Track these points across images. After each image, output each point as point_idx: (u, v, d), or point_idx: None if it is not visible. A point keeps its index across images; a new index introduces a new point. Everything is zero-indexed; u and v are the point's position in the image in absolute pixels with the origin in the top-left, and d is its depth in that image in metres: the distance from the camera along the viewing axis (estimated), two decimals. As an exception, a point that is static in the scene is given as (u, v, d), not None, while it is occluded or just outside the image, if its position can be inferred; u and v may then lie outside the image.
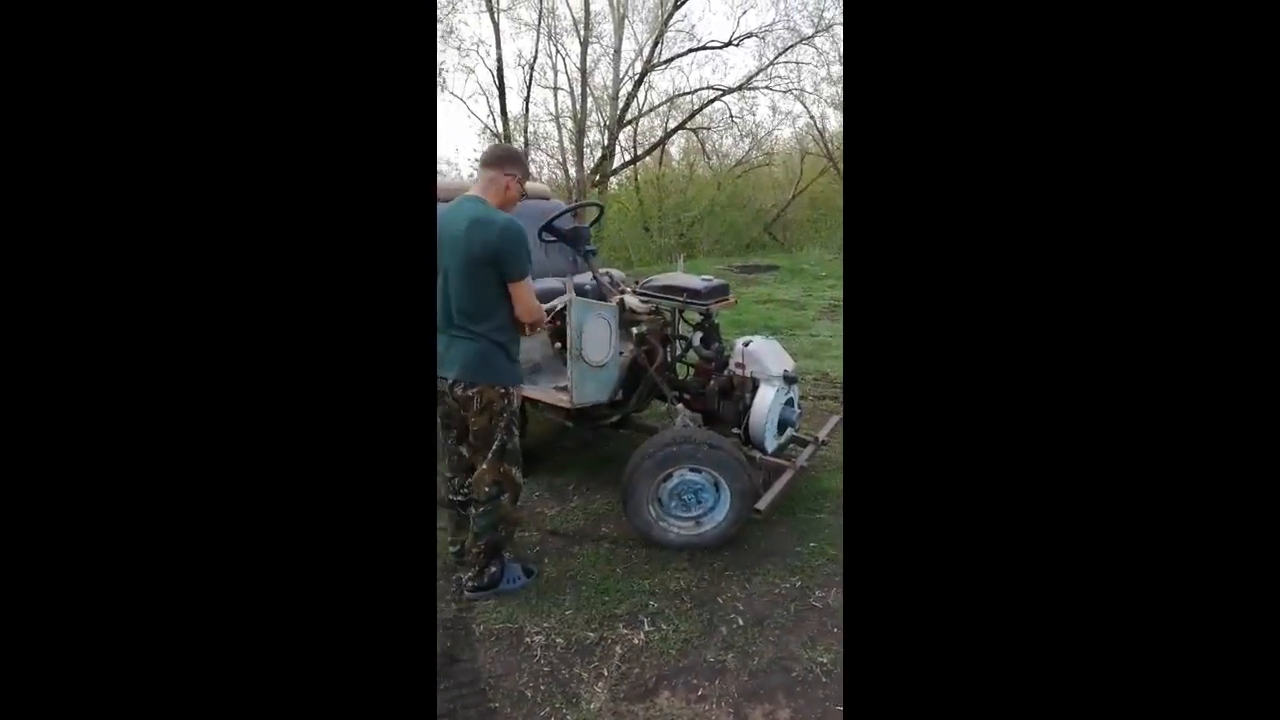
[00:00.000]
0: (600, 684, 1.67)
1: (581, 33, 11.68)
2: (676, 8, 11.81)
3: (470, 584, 1.99)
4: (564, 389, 2.43)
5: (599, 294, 2.53)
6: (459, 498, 2.05)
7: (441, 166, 11.86)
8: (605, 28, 12.05)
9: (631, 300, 2.57)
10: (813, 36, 11.98)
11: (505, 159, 1.88)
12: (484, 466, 1.89)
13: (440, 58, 10.60)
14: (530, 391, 2.55)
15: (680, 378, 2.70)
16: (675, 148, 14.16)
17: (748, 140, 13.49)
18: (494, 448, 1.88)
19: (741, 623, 1.89)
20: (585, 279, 2.70)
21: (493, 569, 1.99)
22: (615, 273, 2.94)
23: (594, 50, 11.97)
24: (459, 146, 28.12)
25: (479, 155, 1.90)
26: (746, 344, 2.42)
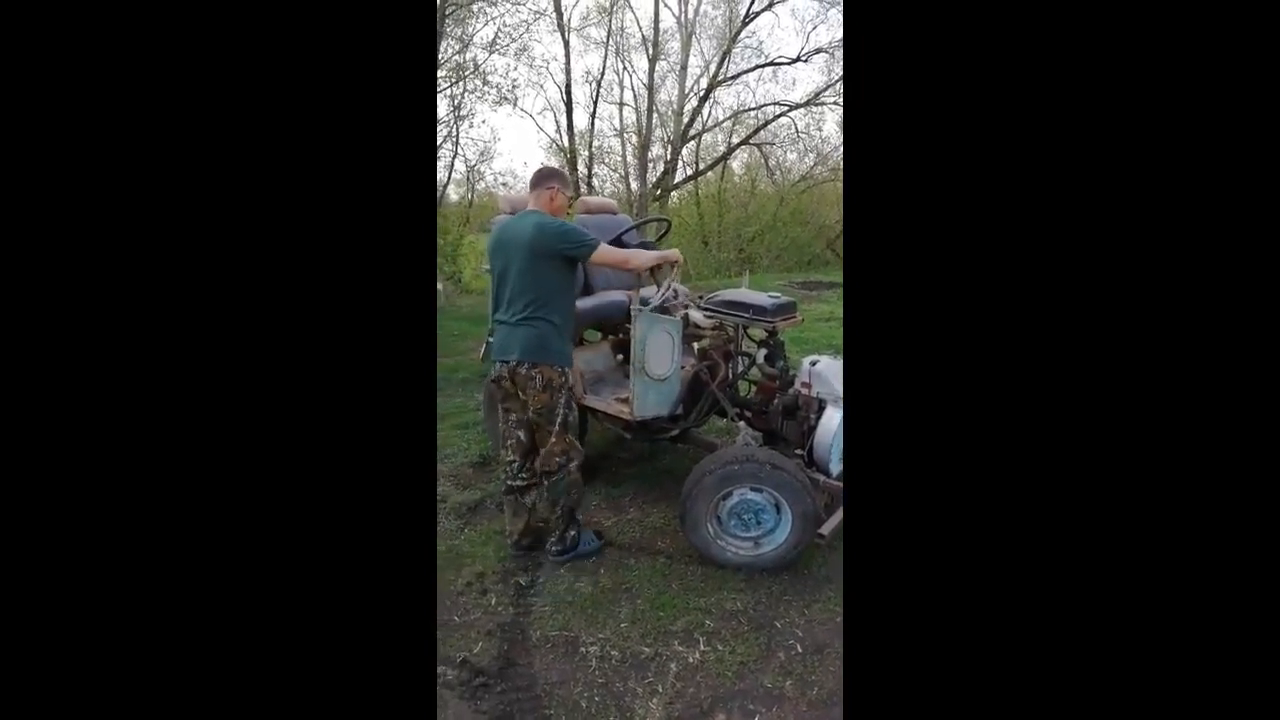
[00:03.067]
0: (655, 700, 1.66)
1: (649, 50, 11.87)
2: (745, 24, 11.85)
3: (555, 548, 2.22)
4: (625, 400, 2.44)
5: (663, 308, 2.54)
6: (518, 482, 2.22)
7: (508, 179, 12.25)
8: (673, 44, 12.22)
9: (695, 315, 2.57)
10: (884, 51, 11.68)
11: (547, 177, 2.23)
12: (552, 440, 2.12)
13: (513, 75, 11.03)
14: (592, 402, 2.58)
15: (743, 395, 2.67)
16: (737, 163, 14.14)
17: (812, 155, 13.31)
18: (558, 421, 2.12)
19: (800, 649, 1.84)
20: (650, 292, 2.72)
21: (572, 533, 2.22)
22: (680, 287, 2.94)
23: (661, 66, 12.16)
24: (527, 161, 28.99)
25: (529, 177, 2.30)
26: (814, 363, 2.36)
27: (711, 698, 1.67)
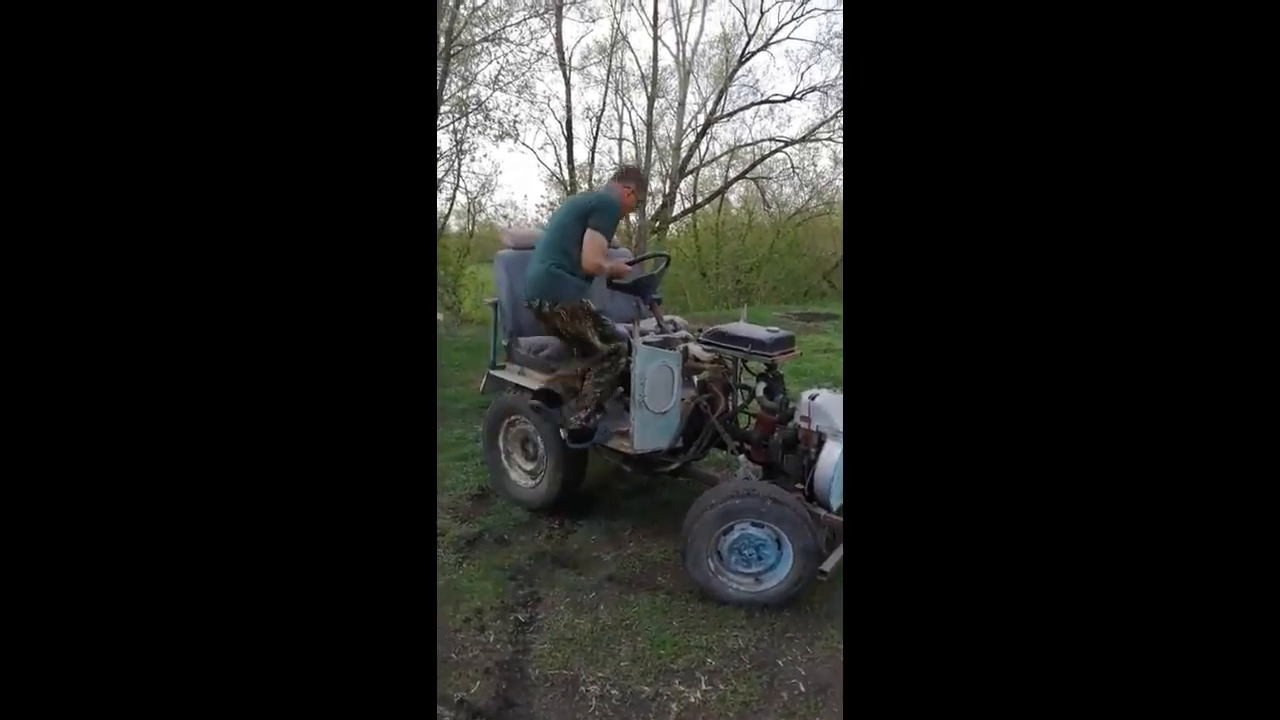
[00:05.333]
0: (656, 743, 1.63)
1: (648, 87, 12.18)
2: (741, 63, 12.16)
3: (574, 425, 2.44)
4: (625, 433, 2.45)
5: (663, 341, 2.57)
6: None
7: (508, 210, 12.42)
8: (671, 82, 12.54)
9: (695, 348, 2.59)
10: (877, 90, 11.97)
11: (630, 174, 2.70)
12: (601, 347, 2.44)
13: (514, 111, 11.32)
14: (592, 434, 2.58)
15: (742, 428, 2.68)
16: (734, 196, 14.37)
17: (808, 190, 13.54)
18: (598, 335, 2.44)
19: (804, 689, 1.81)
20: (650, 326, 2.75)
21: (599, 416, 2.47)
22: (679, 320, 2.98)
23: (659, 103, 12.45)
24: (527, 194, 29.50)
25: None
26: (813, 397, 2.38)
27: (714, 740, 1.64)
